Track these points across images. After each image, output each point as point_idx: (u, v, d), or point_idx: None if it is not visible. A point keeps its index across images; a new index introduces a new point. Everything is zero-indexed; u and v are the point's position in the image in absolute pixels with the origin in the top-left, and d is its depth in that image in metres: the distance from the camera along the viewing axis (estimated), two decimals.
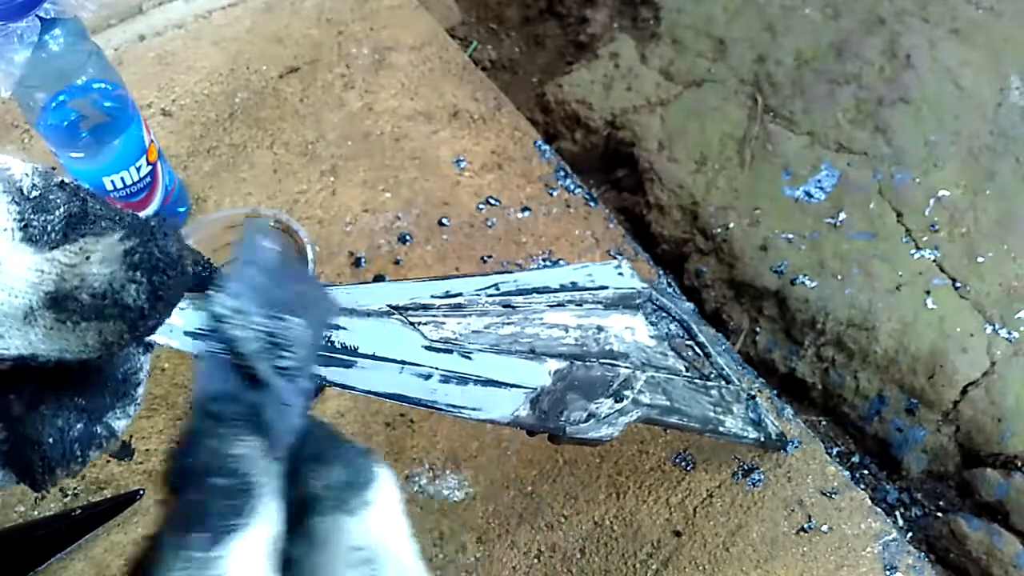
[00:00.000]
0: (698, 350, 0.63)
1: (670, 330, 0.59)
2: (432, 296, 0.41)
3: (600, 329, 0.52)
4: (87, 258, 0.22)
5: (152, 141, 0.72)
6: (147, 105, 0.89)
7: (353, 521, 0.24)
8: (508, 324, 0.46)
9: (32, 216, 0.24)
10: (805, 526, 0.66)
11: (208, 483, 0.22)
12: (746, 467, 0.69)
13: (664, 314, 0.59)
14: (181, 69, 0.92)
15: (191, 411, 0.25)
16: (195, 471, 0.22)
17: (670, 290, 0.61)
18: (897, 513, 0.74)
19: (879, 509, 0.68)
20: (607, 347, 0.52)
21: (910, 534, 0.72)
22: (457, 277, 0.45)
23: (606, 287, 0.53)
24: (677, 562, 0.64)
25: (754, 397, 0.64)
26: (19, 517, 0.63)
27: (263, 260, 0.29)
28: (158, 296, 0.22)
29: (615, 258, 0.56)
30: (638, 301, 0.55)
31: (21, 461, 0.24)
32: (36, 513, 0.63)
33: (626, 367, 0.52)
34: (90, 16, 0.59)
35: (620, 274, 0.55)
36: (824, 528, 0.66)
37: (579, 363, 0.48)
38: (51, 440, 0.24)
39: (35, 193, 0.24)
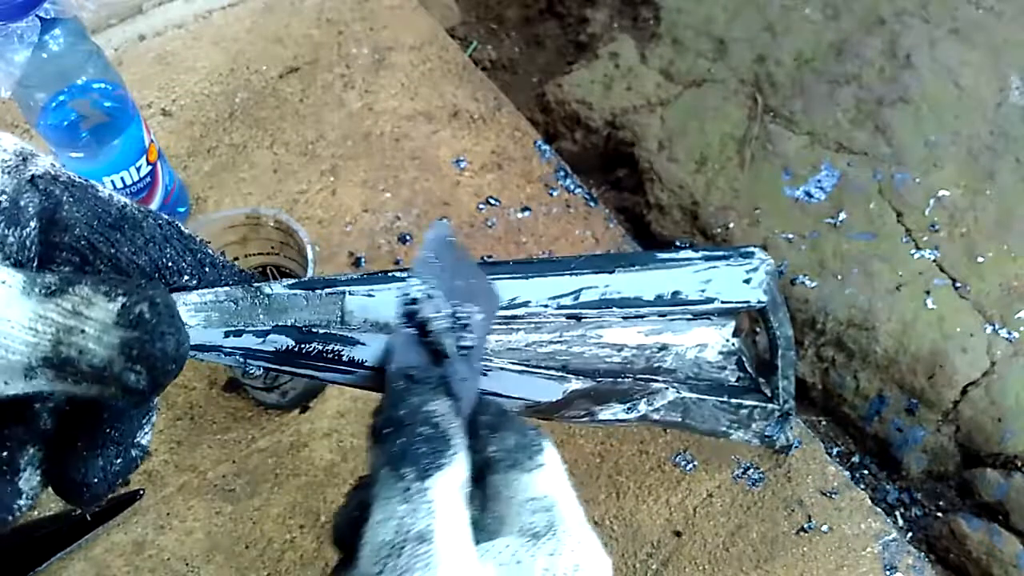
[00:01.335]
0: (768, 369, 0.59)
1: (744, 349, 0.53)
2: None
3: (663, 348, 0.47)
4: (83, 331, 0.21)
5: (152, 141, 0.72)
6: (147, 105, 0.89)
7: (528, 477, 0.28)
8: (555, 343, 0.42)
9: (6, 232, 0.23)
10: (805, 526, 0.66)
11: (416, 430, 0.26)
12: (746, 467, 0.69)
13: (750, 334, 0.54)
14: (181, 69, 0.92)
15: (390, 378, 0.29)
16: (402, 422, 0.26)
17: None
18: (897, 513, 0.74)
19: (879, 509, 0.68)
20: (655, 364, 0.48)
21: (910, 534, 0.72)
22: (544, 270, 0.41)
23: (712, 300, 0.46)
24: (677, 562, 0.64)
25: (788, 415, 0.61)
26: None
27: (447, 255, 0.33)
28: (157, 383, 0.22)
29: (751, 250, 0.49)
30: (742, 311, 0.50)
31: (69, 496, 0.26)
32: (36, 513, 0.63)
33: (662, 382, 0.48)
34: (90, 16, 0.59)
35: (747, 281, 0.48)
36: (824, 528, 0.66)
37: (608, 380, 0.45)
38: (96, 480, 0.25)
39: (5, 202, 0.24)
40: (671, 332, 0.47)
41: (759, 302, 0.49)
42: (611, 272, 0.43)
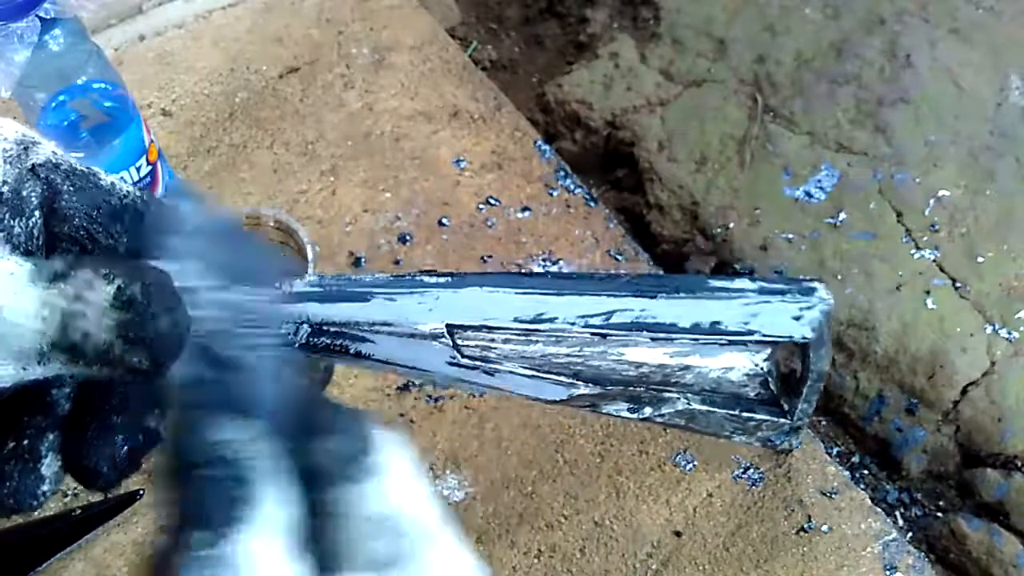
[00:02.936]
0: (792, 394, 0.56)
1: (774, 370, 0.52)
2: (516, 319, 0.36)
3: (685, 368, 0.45)
4: (84, 315, 0.22)
5: (152, 141, 0.72)
6: (147, 105, 0.89)
7: (362, 490, 0.23)
8: (571, 356, 0.41)
9: (12, 223, 0.24)
10: (805, 526, 0.66)
11: (199, 476, 0.21)
12: (746, 467, 0.69)
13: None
14: (181, 69, 0.92)
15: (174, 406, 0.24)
16: (185, 467, 0.21)
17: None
18: (897, 513, 0.74)
19: (879, 509, 0.68)
20: (673, 380, 0.46)
21: (910, 534, 0.72)
22: (580, 288, 0.38)
23: (754, 332, 0.43)
24: (677, 562, 0.64)
25: (798, 428, 0.59)
26: (19, 517, 0.63)
27: (201, 221, 0.26)
28: (159, 363, 0.22)
29: (813, 285, 0.45)
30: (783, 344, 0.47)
31: (83, 481, 0.26)
32: (36, 513, 0.63)
33: (675, 394, 0.46)
34: (90, 16, 0.59)
35: (797, 318, 0.44)
36: (824, 528, 0.66)
37: (619, 388, 0.44)
38: (106, 469, 0.25)
39: (8, 192, 0.24)
40: (699, 355, 0.45)
41: (803, 338, 0.45)
42: (652, 297, 0.40)
